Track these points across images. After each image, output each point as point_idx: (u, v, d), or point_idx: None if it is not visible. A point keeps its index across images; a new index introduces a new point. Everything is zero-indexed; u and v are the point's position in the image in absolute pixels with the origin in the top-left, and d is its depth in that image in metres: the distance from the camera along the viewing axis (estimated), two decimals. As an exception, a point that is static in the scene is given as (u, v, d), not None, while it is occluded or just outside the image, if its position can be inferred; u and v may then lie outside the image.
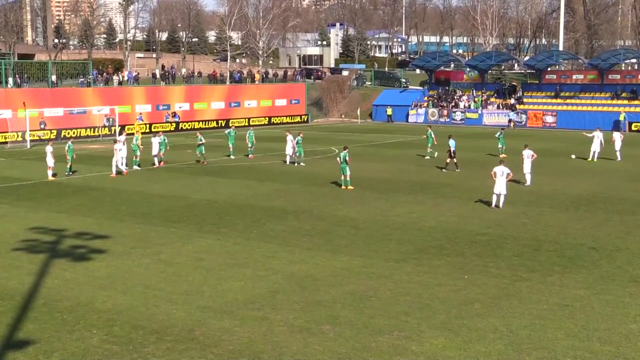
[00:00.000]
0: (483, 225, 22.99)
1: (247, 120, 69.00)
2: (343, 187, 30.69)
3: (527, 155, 31.02)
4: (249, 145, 42.17)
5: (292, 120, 73.84)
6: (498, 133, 42.92)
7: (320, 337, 13.36)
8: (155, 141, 38.73)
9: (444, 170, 35.77)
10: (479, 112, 69.76)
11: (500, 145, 41.98)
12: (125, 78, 75.35)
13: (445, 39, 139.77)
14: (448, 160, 35.87)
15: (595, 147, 40.05)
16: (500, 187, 25.63)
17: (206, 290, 16.29)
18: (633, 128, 61.22)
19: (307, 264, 18.47)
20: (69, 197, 29.16)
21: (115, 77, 73.91)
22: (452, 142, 35.59)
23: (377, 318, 14.32)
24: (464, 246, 20.32)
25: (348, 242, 20.88)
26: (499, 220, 23.89)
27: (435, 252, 19.64)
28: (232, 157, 41.62)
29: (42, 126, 54.58)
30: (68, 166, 34.84)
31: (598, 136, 40.36)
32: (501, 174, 25.61)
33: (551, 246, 20.23)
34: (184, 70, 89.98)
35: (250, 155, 42.14)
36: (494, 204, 25.81)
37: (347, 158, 30.44)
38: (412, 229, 22.57)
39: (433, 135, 41.57)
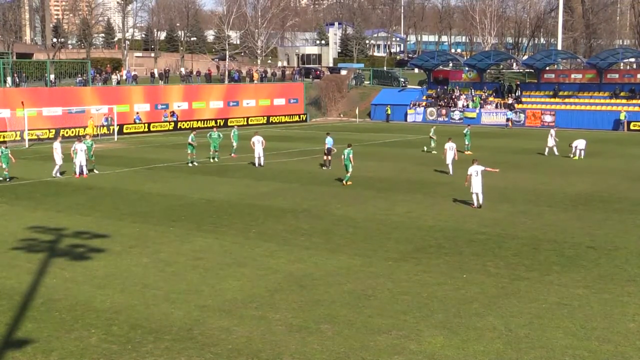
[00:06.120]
0: (481, 225, 23.00)
1: (245, 119, 69.12)
2: (344, 182, 31.14)
3: (450, 147, 33.73)
4: (234, 143, 41.95)
5: (291, 120, 73.86)
6: (465, 130, 43.64)
7: (318, 336, 13.36)
8: (81, 147, 34.32)
9: (324, 167, 36.53)
10: (477, 111, 69.77)
11: (467, 142, 42.87)
12: (124, 77, 75.32)
13: (444, 38, 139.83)
14: (325, 157, 36.86)
15: (551, 143, 42.26)
16: (477, 186, 25.75)
17: (205, 289, 16.28)
18: (632, 127, 61.27)
19: (305, 263, 18.47)
20: (67, 196, 29.14)
21: (113, 77, 73.89)
22: (329, 140, 36.80)
23: (375, 317, 14.33)
24: (463, 245, 20.33)
25: (347, 242, 20.88)
26: (497, 219, 23.90)
27: (434, 251, 19.65)
28: (212, 160, 39.92)
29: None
30: (5, 172, 33.19)
31: (552, 134, 42.68)
32: (476, 173, 25.71)
33: (550, 245, 20.24)
34: (182, 69, 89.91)
35: (232, 154, 41.89)
36: (475, 204, 25.86)
37: (350, 156, 30.86)
38: (410, 228, 22.57)
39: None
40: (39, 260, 18.90)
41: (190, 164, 37.77)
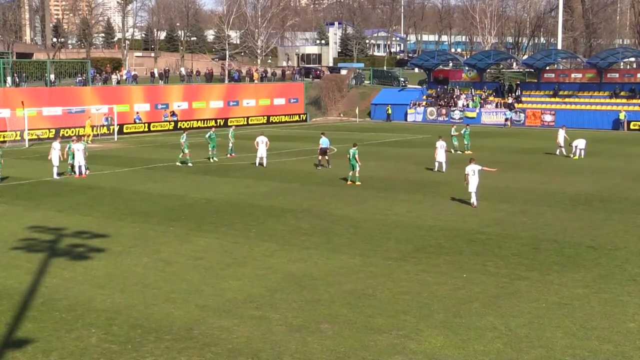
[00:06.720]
0: (482, 224, 23.00)
1: (245, 119, 69.12)
2: (349, 182, 31.29)
3: (441, 146, 34.91)
4: (230, 144, 41.84)
5: (291, 120, 73.86)
6: (464, 130, 43.60)
7: (318, 336, 13.36)
8: (78, 147, 34.37)
9: (318, 167, 36.68)
10: (478, 110, 69.76)
11: (466, 142, 42.89)
12: (124, 77, 75.31)
13: (444, 37, 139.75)
14: (320, 157, 36.94)
15: (562, 142, 42.39)
16: (474, 185, 25.84)
17: (205, 289, 16.28)
18: (632, 127, 61.27)
19: (305, 263, 18.48)
20: (67, 196, 29.14)
21: (113, 76, 73.87)
22: (324, 140, 36.80)
23: (375, 317, 14.33)
24: (463, 245, 20.33)
25: (347, 241, 20.88)
26: (497, 219, 23.90)
27: (434, 251, 19.65)
28: (213, 160, 39.66)
29: None
30: None
31: (561, 133, 42.67)
32: (473, 172, 25.76)
33: (550, 245, 20.24)
34: (182, 69, 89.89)
35: (229, 154, 41.77)
36: (475, 203, 25.88)
37: (356, 156, 31.05)
38: (411, 228, 22.57)
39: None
40: (39, 260, 18.90)
41: (190, 164, 37.77)
